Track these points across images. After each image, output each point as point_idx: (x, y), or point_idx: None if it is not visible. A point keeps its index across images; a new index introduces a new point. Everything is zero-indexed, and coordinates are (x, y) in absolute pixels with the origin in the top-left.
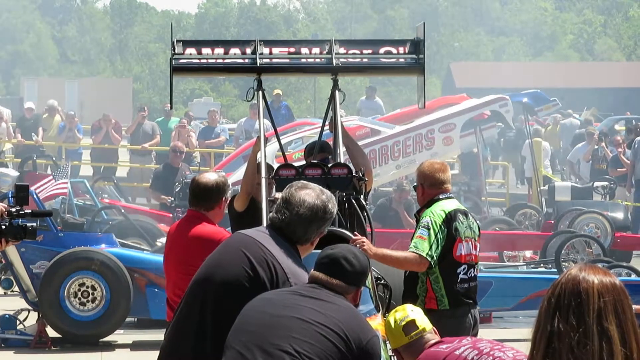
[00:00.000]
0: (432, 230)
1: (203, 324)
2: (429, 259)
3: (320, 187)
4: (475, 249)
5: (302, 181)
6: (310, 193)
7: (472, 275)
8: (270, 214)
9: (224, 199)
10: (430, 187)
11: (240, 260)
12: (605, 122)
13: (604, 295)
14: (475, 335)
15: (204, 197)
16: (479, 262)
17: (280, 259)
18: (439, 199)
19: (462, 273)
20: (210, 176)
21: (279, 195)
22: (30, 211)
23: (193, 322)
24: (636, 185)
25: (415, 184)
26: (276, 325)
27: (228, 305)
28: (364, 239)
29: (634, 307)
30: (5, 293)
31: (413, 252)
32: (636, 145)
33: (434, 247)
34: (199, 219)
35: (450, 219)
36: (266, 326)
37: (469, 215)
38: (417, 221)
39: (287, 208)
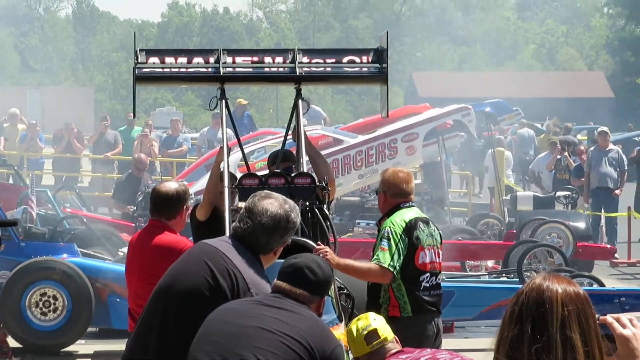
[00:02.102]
0: (392, 241)
1: (164, 333)
2: (392, 270)
3: (284, 197)
4: (438, 257)
5: (265, 191)
6: (273, 202)
7: (435, 282)
8: (234, 224)
9: (185, 207)
10: (392, 196)
11: (202, 270)
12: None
13: (567, 304)
14: (439, 345)
15: (165, 206)
16: (442, 272)
17: (241, 269)
18: (399, 208)
19: (424, 281)
20: (170, 185)
21: (242, 204)
22: None
23: (154, 331)
24: (592, 194)
25: (377, 189)
26: (239, 335)
27: (189, 315)
28: (327, 248)
29: (597, 316)
30: None
31: (376, 263)
32: (590, 155)
33: (395, 257)
34: (160, 228)
35: (410, 227)
36: (229, 336)
37: (430, 223)
38: (379, 230)
39: (249, 217)
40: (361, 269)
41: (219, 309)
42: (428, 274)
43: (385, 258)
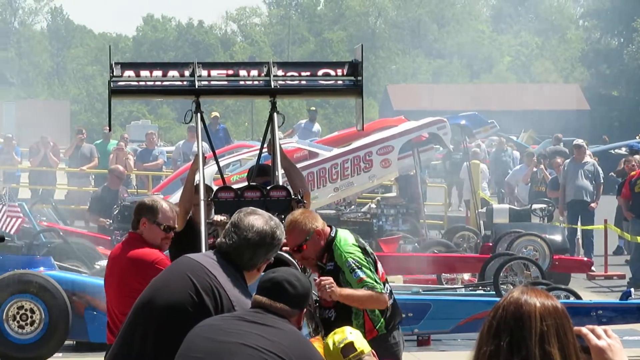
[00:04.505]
0: (364, 266)
1: (145, 347)
2: (385, 292)
3: (269, 214)
4: None
5: (251, 207)
6: (259, 219)
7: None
8: (219, 239)
9: (144, 219)
10: (323, 226)
11: (185, 285)
12: (543, 144)
13: (546, 318)
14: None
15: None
16: (418, 285)
17: (226, 287)
18: (333, 236)
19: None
20: (143, 198)
21: (217, 217)
22: None
23: (135, 345)
24: (568, 207)
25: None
26: (221, 351)
27: (170, 330)
28: (330, 279)
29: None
30: None
31: (370, 289)
32: (565, 168)
33: (377, 279)
34: (136, 240)
35: (362, 244)
36: (211, 352)
37: None
38: (323, 270)
39: (235, 232)
40: (361, 298)
41: (200, 324)
42: (387, 285)
43: (374, 283)
